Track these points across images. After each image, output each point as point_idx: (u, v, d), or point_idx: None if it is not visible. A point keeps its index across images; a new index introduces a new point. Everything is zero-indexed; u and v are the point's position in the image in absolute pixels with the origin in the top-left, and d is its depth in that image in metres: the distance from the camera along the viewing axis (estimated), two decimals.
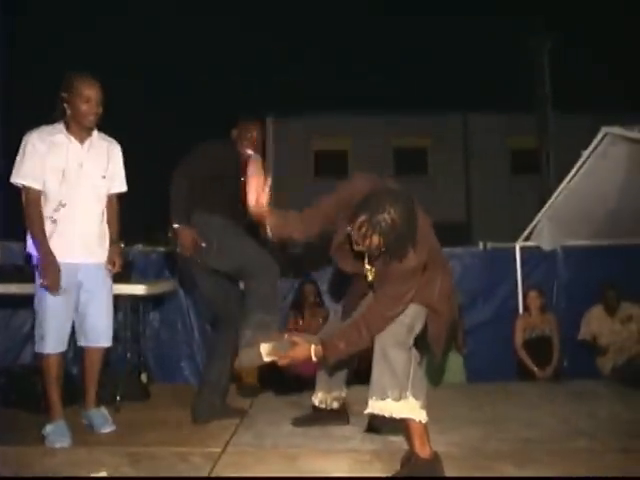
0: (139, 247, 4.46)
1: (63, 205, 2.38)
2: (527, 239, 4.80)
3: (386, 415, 1.91)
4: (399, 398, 1.88)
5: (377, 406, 1.92)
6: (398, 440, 2.36)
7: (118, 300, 3.08)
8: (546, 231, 4.60)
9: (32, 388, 2.77)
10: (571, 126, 10.39)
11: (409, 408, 1.89)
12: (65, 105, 2.38)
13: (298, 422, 2.61)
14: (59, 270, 2.33)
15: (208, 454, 2.16)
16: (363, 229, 1.76)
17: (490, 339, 4.67)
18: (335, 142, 14.37)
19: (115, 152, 2.59)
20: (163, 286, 3.45)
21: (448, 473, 1.92)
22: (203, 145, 2.70)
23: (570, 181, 3.96)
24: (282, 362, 2.05)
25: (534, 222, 4.61)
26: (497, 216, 12.05)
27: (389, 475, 1.91)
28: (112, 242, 2.57)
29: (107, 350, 2.64)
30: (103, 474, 1.99)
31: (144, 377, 3.29)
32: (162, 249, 4.31)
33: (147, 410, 2.91)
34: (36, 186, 2.34)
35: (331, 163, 14.01)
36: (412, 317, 2.00)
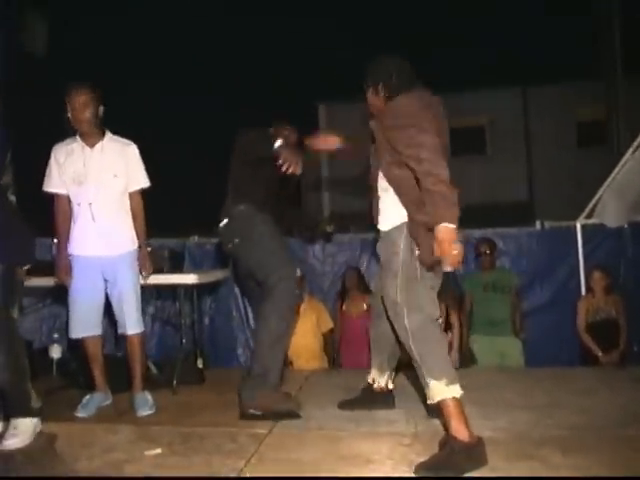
0: (195, 239, 4.65)
1: (78, 204, 2.68)
2: (589, 216, 4.52)
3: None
4: (432, 380, 1.92)
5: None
6: (440, 423, 2.35)
7: (172, 290, 3.26)
8: (610, 207, 4.31)
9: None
10: None
11: (435, 392, 1.91)
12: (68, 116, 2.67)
13: (344, 405, 2.65)
14: (68, 269, 2.71)
15: (254, 435, 2.25)
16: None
17: (551, 323, 4.47)
18: None
19: (129, 152, 2.77)
20: (215, 275, 3.57)
21: (491, 459, 1.88)
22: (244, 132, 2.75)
23: (635, 151, 3.68)
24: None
25: (596, 198, 4.34)
26: (562, 193, 11.41)
27: (426, 458, 1.89)
28: (139, 245, 2.78)
29: (143, 337, 2.84)
30: (158, 451, 2.13)
31: (200, 362, 3.44)
32: (215, 240, 4.47)
33: (201, 393, 3.06)
34: (60, 192, 2.72)
35: None
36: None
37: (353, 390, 2.87)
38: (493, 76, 12.64)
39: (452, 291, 4.19)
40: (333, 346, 4.28)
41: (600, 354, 4.13)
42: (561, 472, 1.79)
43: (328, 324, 4.25)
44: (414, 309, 2.00)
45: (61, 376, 3.47)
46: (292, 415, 2.45)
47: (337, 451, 2.05)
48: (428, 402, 1.95)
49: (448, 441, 1.88)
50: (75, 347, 3.90)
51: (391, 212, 2.19)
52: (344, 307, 4.30)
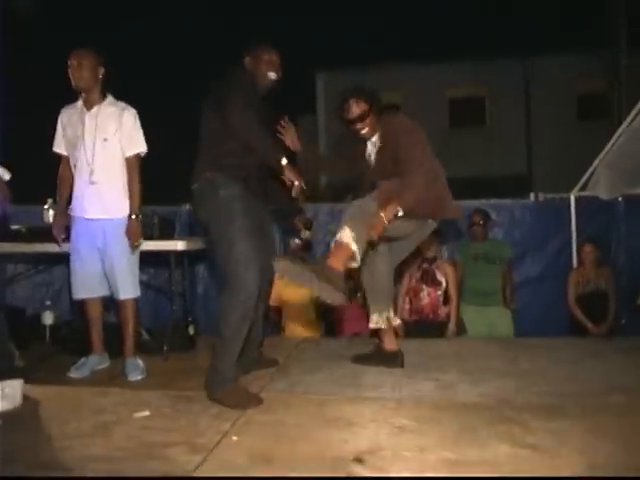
0: (186, 206, 4.62)
1: (75, 166, 2.74)
2: (583, 189, 4.50)
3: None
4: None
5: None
6: (426, 389, 2.40)
7: (162, 256, 3.26)
8: (604, 180, 4.28)
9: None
10: None
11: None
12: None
13: (357, 359, 2.86)
14: (61, 227, 2.83)
15: None
16: (346, 105, 2.63)
17: (542, 294, 4.51)
18: (387, 96, 13.93)
19: (126, 116, 2.74)
20: (203, 242, 3.56)
21: (473, 423, 1.93)
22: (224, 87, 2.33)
23: (630, 124, 3.63)
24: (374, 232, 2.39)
25: (590, 170, 4.31)
26: (561, 166, 11.36)
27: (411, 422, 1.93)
28: (130, 213, 2.72)
29: (135, 302, 2.83)
30: (146, 413, 2.16)
31: (191, 329, 3.46)
32: None
33: (191, 360, 3.09)
34: (62, 153, 2.82)
35: None
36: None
37: (342, 358, 2.92)
38: (494, 46, 12.40)
39: (452, 262, 4.22)
40: (330, 315, 4.29)
41: (589, 325, 4.18)
42: (539, 435, 1.82)
43: None
44: None
45: (54, 343, 3.50)
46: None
47: (321, 414, 2.08)
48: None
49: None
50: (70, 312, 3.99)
51: None
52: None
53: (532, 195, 4.67)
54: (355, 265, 2.35)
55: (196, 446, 1.81)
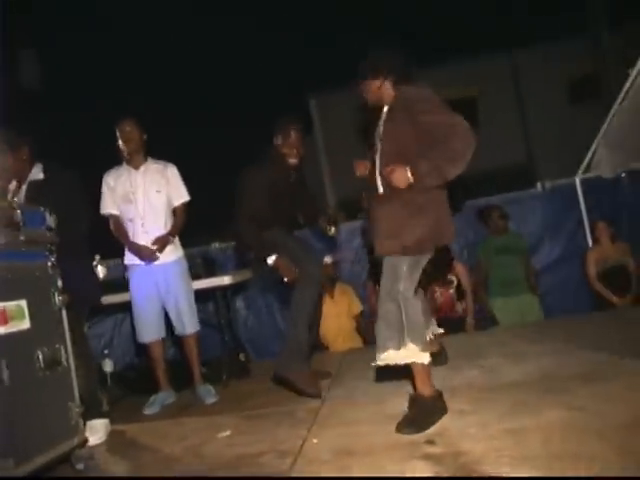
0: (216, 245, 4.90)
1: (130, 220, 3.06)
2: (586, 171, 4.72)
3: (391, 364, 2.11)
4: (398, 347, 2.09)
5: (382, 358, 2.12)
6: (473, 375, 2.60)
7: (208, 293, 3.52)
8: (605, 159, 4.50)
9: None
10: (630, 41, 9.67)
11: (410, 354, 2.08)
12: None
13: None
14: (142, 248, 3.04)
15: (310, 409, 2.51)
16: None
17: (564, 276, 4.69)
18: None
19: (169, 171, 3.15)
20: (244, 274, 3.83)
21: (523, 397, 2.14)
22: (251, 174, 2.86)
23: (622, 102, 3.86)
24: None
25: (590, 151, 4.53)
26: (560, 150, 11.56)
27: (467, 406, 2.14)
28: (168, 233, 3.08)
29: (199, 336, 3.17)
30: (228, 433, 2.39)
31: (242, 356, 3.71)
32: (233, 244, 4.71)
33: (249, 384, 3.33)
34: (113, 212, 3.12)
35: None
36: (396, 265, 2.15)
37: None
38: (480, 42, 12.71)
39: (460, 263, 4.46)
40: (365, 327, 4.51)
41: (614, 299, 4.35)
42: (584, 398, 2.03)
43: (358, 307, 4.48)
44: None
45: (117, 387, 3.75)
46: (312, 396, 2.63)
47: (384, 411, 2.29)
48: (397, 363, 2.11)
49: (416, 398, 2.15)
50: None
51: None
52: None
53: (539, 184, 4.88)
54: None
55: (283, 452, 2.03)
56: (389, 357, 2.11)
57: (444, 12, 16.55)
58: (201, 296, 3.83)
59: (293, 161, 2.92)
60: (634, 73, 3.61)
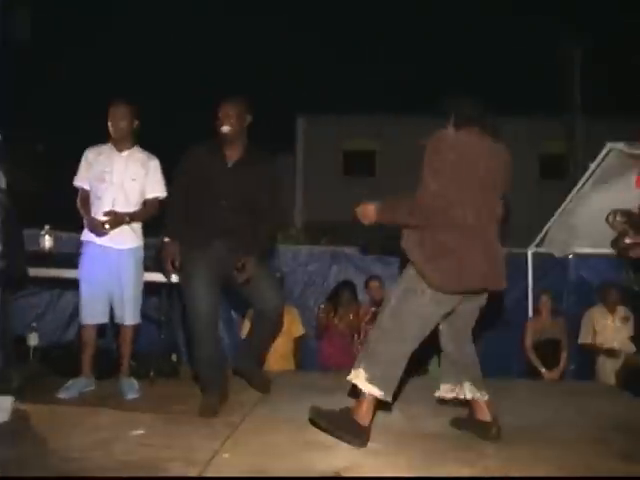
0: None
1: (99, 198, 2.99)
2: (539, 245, 4.98)
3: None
4: (356, 368, 2.24)
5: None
6: (393, 419, 2.67)
7: (153, 287, 3.48)
8: (557, 237, 4.77)
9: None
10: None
11: (357, 377, 2.22)
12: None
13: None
14: (92, 219, 2.99)
15: (229, 422, 2.49)
16: None
17: (500, 341, 4.87)
18: (363, 142, 14.62)
19: (151, 163, 3.10)
20: None
21: (436, 447, 2.21)
22: (189, 150, 2.86)
23: (579, 191, 4.13)
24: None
25: (545, 228, 4.79)
26: (523, 223, 12.09)
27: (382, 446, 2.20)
28: (125, 214, 3.01)
29: (137, 329, 3.11)
30: (141, 432, 2.35)
31: (174, 357, 3.66)
32: None
33: (176, 385, 3.28)
34: (84, 186, 3.08)
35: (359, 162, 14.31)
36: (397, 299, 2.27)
37: (319, 389, 3.15)
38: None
39: None
40: (300, 353, 4.54)
41: (543, 370, 4.57)
42: (487, 460, 2.12)
43: (300, 330, 4.50)
44: None
45: (39, 363, 3.62)
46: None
47: (302, 436, 2.32)
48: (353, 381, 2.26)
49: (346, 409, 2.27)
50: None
51: None
52: (336, 318, 4.57)
53: None
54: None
55: (192, 461, 2.01)
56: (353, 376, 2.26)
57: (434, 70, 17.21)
58: (148, 289, 3.79)
59: (224, 129, 2.71)
60: (593, 165, 3.87)
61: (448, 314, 2.37)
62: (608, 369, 4.39)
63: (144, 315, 4.21)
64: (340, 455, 2.12)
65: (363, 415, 2.21)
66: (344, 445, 2.22)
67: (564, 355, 4.67)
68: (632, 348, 4.40)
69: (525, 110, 12.77)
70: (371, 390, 2.19)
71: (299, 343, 4.53)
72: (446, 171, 2.20)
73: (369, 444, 2.22)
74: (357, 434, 2.19)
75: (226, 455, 2.10)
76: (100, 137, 3.15)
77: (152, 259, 3.37)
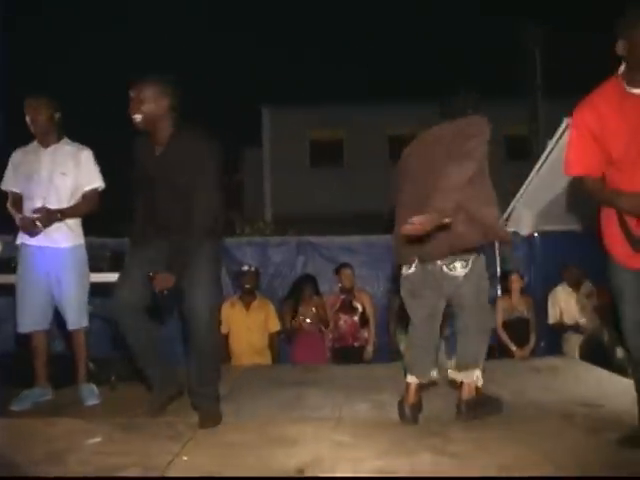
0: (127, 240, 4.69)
1: (30, 199, 2.83)
2: (505, 225, 4.98)
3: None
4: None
5: None
6: (362, 409, 2.63)
7: (112, 288, 3.34)
8: (522, 217, 4.80)
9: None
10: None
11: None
12: None
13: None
14: (23, 218, 2.82)
15: (191, 423, 2.39)
16: None
17: None
18: (330, 132, 14.54)
19: (82, 155, 2.93)
20: None
21: (402, 437, 2.17)
22: (132, 143, 2.60)
23: (539, 169, 4.14)
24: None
25: (509, 208, 4.81)
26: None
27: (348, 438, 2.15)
28: (57, 209, 2.84)
29: (86, 332, 2.96)
30: (98, 440, 2.25)
31: None
32: None
33: (139, 389, 3.14)
34: (14, 189, 2.93)
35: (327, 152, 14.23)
36: None
37: (286, 383, 3.09)
38: (433, 87, 13.29)
39: (364, 291, 4.66)
40: (276, 347, 4.45)
41: (514, 349, 4.60)
42: (459, 444, 2.09)
43: (276, 325, 4.41)
44: None
45: None
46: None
47: (266, 434, 2.25)
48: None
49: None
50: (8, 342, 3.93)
51: None
52: (300, 317, 4.47)
53: None
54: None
55: (149, 467, 1.92)
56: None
57: (407, 57, 17.24)
58: (104, 290, 3.65)
59: (134, 119, 2.41)
60: (552, 143, 3.88)
61: None
62: (573, 343, 4.46)
63: (104, 318, 4.12)
64: (304, 450, 2.06)
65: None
66: (309, 439, 2.17)
67: (533, 333, 4.72)
68: (596, 321, 4.48)
69: (489, 94, 12.87)
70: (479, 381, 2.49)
71: (275, 338, 4.44)
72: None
73: (333, 436, 2.16)
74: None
75: (185, 458, 2.01)
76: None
77: (106, 259, 3.24)
